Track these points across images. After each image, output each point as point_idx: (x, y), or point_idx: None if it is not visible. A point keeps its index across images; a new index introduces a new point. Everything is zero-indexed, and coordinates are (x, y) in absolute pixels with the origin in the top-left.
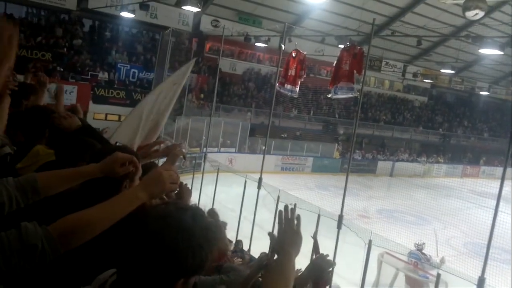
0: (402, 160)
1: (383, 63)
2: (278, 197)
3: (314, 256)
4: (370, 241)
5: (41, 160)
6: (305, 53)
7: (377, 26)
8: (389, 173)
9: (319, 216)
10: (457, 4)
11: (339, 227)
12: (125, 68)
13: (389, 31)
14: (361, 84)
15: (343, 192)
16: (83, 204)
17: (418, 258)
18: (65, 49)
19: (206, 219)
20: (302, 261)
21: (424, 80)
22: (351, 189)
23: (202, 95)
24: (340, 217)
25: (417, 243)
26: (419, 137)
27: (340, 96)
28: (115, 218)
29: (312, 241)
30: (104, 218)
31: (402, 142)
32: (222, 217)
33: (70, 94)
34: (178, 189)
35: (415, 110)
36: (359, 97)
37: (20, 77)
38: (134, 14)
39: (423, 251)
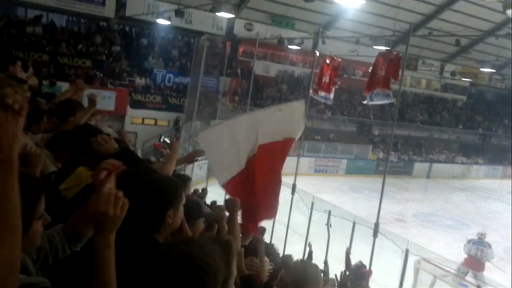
0: (440, 161)
1: (420, 62)
2: (312, 203)
3: (345, 269)
4: (407, 250)
5: (83, 182)
6: (339, 60)
7: (413, 25)
8: (426, 175)
9: (354, 224)
10: (498, 0)
11: (375, 235)
12: (161, 73)
13: (425, 30)
14: (398, 85)
15: (377, 194)
16: None
17: (483, 245)
18: (104, 56)
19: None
20: (336, 265)
21: (463, 79)
22: (387, 191)
23: (236, 98)
24: (376, 225)
25: (479, 232)
26: (457, 137)
27: (376, 102)
28: None
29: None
30: None
31: (439, 142)
32: None
33: (109, 99)
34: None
35: (453, 109)
36: (396, 100)
37: (61, 84)
38: (170, 20)
39: (485, 240)
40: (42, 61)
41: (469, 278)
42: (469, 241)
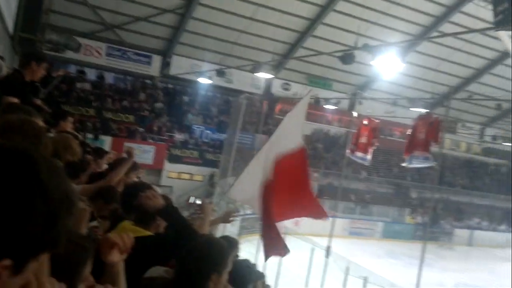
0: (482, 229)
1: (459, 124)
2: (348, 268)
3: None
4: None
5: None
6: (377, 121)
7: (452, 88)
8: (467, 242)
9: None
10: None
11: None
12: (199, 129)
13: (465, 93)
14: (437, 148)
15: (415, 261)
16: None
17: None
18: (147, 112)
19: None
20: None
21: (504, 143)
22: (426, 258)
23: None
24: None
25: None
26: (501, 204)
27: (415, 165)
28: None
29: None
30: None
31: (481, 208)
32: (288, 283)
33: (147, 154)
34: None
35: (496, 175)
36: (437, 163)
37: (104, 138)
38: (211, 79)
39: None
40: (88, 116)
41: None
42: None
